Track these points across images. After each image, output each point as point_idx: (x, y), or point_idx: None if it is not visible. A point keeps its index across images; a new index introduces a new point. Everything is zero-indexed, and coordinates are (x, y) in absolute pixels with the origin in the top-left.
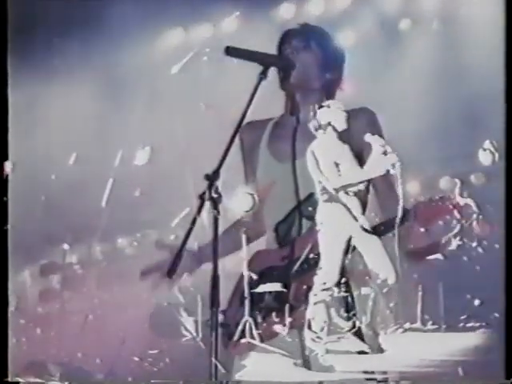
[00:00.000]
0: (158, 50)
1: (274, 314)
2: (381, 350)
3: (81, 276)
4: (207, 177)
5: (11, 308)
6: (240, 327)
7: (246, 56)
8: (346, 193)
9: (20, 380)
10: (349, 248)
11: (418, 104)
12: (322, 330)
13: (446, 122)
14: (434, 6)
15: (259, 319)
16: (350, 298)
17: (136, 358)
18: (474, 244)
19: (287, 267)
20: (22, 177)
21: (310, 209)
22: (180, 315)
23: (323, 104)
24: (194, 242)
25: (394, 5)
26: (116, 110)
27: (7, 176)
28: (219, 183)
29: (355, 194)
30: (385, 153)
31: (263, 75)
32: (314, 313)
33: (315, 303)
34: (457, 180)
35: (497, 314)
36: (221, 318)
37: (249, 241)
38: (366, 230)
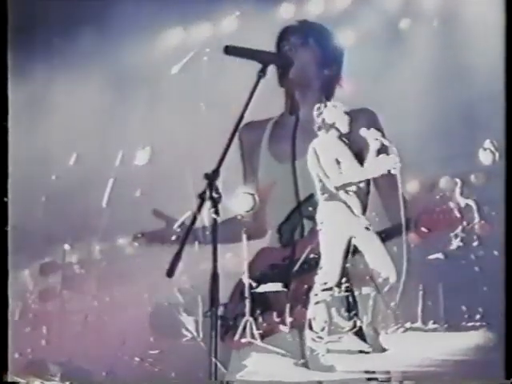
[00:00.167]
0: (158, 50)
1: (274, 314)
2: (382, 350)
3: (81, 276)
4: (207, 176)
5: (11, 308)
6: (241, 327)
7: (245, 54)
8: (346, 192)
9: (20, 380)
10: (349, 248)
11: (418, 104)
12: (322, 329)
13: (446, 121)
14: (434, 6)
15: (259, 318)
16: (350, 298)
17: (136, 359)
18: (475, 244)
19: (288, 267)
20: (22, 177)
21: (311, 209)
22: (180, 315)
23: (329, 103)
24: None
25: (395, 4)
26: (116, 109)
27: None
28: (219, 183)
29: (355, 193)
30: (382, 146)
31: (262, 73)
32: (315, 312)
33: (316, 303)
34: (457, 180)
35: (497, 314)
36: (221, 310)
37: (250, 240)
38: (367, 228)
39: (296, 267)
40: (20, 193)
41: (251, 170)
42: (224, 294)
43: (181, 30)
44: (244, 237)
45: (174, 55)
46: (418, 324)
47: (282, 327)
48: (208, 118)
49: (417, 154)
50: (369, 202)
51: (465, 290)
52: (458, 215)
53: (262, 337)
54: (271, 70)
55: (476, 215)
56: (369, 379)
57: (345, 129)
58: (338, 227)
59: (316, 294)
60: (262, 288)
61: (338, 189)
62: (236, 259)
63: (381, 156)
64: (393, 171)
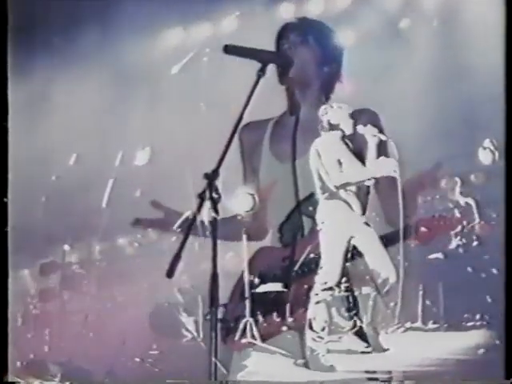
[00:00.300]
0: (158, 50)
1: (276, 315)
2: (382, 350)
3: (81, 275)
4: (206, 176)
5: (11, 308)
6: (241, 327)
7: (245, 54)
8: (347, 191)
9: (20, 380)
10: (349, 248)
11: (418, 104)
12: (323, 329)
13: (446, 121)
14: (434, 6)
15: (260, 319)
16: (350, 298)
17: (137, 359)
18: (475, 244)
19: (288, 267)
20: (22, 177)
21: (311, 208)
22: (180, 315)
23: (335, 104)
24: (194, 241)
25: (395, 4)
26: (116, 109)
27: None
28: (219, 183)
29: (355, 193)
30: (380, 141)
31: (262, 72)
32: (315, 312)
33: (316, 303)
34: (457, 179)
35: (497, 314)
36: (221, 311)
37: (251, 240)
38: (366, 224)
39: (296, 267)
40: (20, 193)
41: (251, 169)
42: (224, 294)
43: (181, 30)
44: (244, 237)
45: (174, 55)
46: (418, 324)
47: (283, 328)
48: (208, 118)
49: (416, 153)
50: (369, 202)
51: (465, 289)
52: (458, 215)
53: (264, 339)
54: (271, 69)
55: (476, 215)
56: (369, 379)
57: (349, 130)
58: (338, 227)
59: (316, 294)
60: (263, 288)
61: (337, 188)
62: (236, 259)
63: (381, 158)
64: (393, 174)
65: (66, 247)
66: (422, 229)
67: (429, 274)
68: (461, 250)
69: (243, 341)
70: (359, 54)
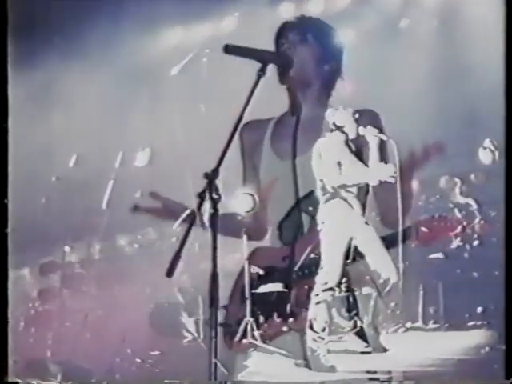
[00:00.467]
0: (158, 51)
1: (276, 315)
2: (382, 350)
3: (81, 275)
4: (206, 175)
5: (11, 308)
6: (241, 327)
7: (245, 53)
8: (347, 191)
9: (20, 380)
10: (350, 248)
11: (418, 104)
12: (323, 329)
13: (446, 121)
14: (434, 6)
15: (261, 319)
16: (351, 298)
17: (137, 360)
18: (475, 243)
19: (289, 268)
20: (23, 178)
21: (310, 206)
22: (180, 315)
23: (341, 107)
24: (194, 241)
25: (395, 4)
26: (116, 110)
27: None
28: (219, 182)
29: (356, 194)
30: (381, 143)
31: (262, 72)
32: (316, 313)
33: (317, 303)
34: (457, 179)
35: (497, 314)
36: (223, 314)
37: (251, 240)
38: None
39: (296, 267)
40: (20, 194)
41: (252, 169)
42: (223, 294)
43: (181, 30)
44: (245, 237)
45: (174, 55)
46: (419, 324)
47: (284, 329)
48: (208, 119)
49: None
50: (367, 203)
51: (465, 289)
52: (458, 215)
53: (266, 340)
54: (271, 68)
55: (476, 214)
56: (370, 379)
57: (353, 134)
58: (338, 227)
59: (317, 294)
60: (263, 288)
61: (334, 189)
62: (235, 258)
63: (379, 164)
64: (390, 180)
65: (67, 249)
66: (423, 229)
67: (429, 274)
68: (461, 250)
69: (244, 341)
70: (359, 53)
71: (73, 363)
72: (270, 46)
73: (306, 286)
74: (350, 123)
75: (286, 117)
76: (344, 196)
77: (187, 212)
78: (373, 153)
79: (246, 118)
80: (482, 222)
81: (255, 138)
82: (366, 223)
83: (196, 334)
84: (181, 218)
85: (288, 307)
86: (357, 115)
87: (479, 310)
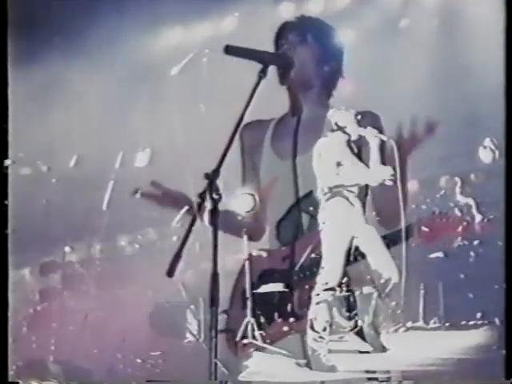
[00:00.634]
0: (158, 51)
1: (278, 318)
2: (383, 350)
3: (81, 275)
4: (207, 176)
5: (11, 308)
6: (242, 327)
7: (246, 54)
8: (348, 190)
9: (20, 381)
10: (351, 248)
11: (418, 104)
12: (324, 329)
13: (446, 120)
14: (434, 6)
15: (264, 322)
16: (351, 298)
17: (138, 360)
18: (475, 242)
19: (289, 268)
20: (22, 179)
21: (311, 206)
22: (181, 315)
23: (344, 107)
24: (194, 242)
25: (395, 4)
26: (117, 110)
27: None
28: (219, 182)
29: (357, 194)
30: (381, 143)
31: (263, 74)
32: (316, 312)
33: (317, 303)
34: (457, 178)
35: (498, 313)
36: (224, 319)
37: (250, 239)
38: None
39: (297, 268)
40: (21, 194)
41: (252, 169)
42: (223, 294)
43: (180, 30)
44: (245, 237)
45: (174, 56)
46: (420, 323)
47: (286, 329)
48: (208, 119)
49: (416, 152)
50: (366, 203)
51: (465, 288)
52: (458, 214)
53: (269, 341)
54: (271, 69)
55: (476, 214)
56: (370, 379)
57: (354, 135)
58: (339, 227)
59: (318, 294)
60: (263, 289)
61: (330, 189)
62: (235, 258)
63: (378, 166)
64: (388, 182)
65: (67, 249)
66: (424, 228)
67: (430, 274)
68: (461, 250)
69: (247, 344)
70: (359, 53)
71: (73, 363)
72: (270, 46)
73: (307, 286)
74: (352, 124)
75: (287, 117)
76: (345, 195)
77: (189, 203)
78: (373, 154)
79: (246, 119)
80: (483, 221)
81: (255, 138)
82: (367, 223)
83: (196, 334)
84: (181, 212)
85: (291, 308)
86: (359, 117)
87: (479, 309)
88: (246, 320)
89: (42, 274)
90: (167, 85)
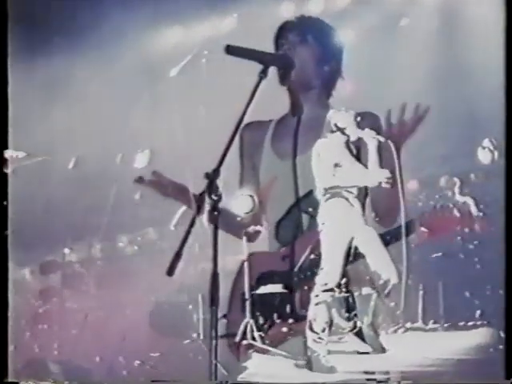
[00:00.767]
0: (158, 51)
1: (277, 319)
2: (382, 350)
3: (81, 275)
4: (207, 175)
5: (11, 307)
6: (241, 328)
7: (246, 55)
8: (348, 191)
9: (20, 381)
10: (351, 249)
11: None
12: (323, 330)
13: (445, 121)
14: (434, 5)
15: (266, 325)
16: (351, 299)
17: (137, 361)
18: (475, 243)
19: (288, 269)
20: (22, 180)
21: (310, 207)
22: (181, 315)
23: (344, 108)
24: (194, 242)
25: (395, 4)
26: (117, 110)
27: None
28: (219, 182)
29: (356, 195)
30: (379, 144)
31: (263, 74)
32: (316, 313)
33: (316, 304)
34: (456, 179)
35: (497, 314)
36: (223, 323)
37: (250, 240)
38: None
39: (296, 268)
40: (21, 194)
41: (251, 169)
42: (223, 294)
43: (181, 30)
44: (244, 238)
45: (173, 56)
46: (419, 324)
47: (289, 332)
48: (208, 119)
49: (416, 152)
50: (366, 205)
51: (465, 289)
52: (458, 214)
53: (271, 344)
54: (272, 69)
55: (476, 214)
56: (370, 380)
57: (354, 136)
58: (339, 227)
59: (317, 295)
60: (262, 290)
61: (326, 190)
62: (235, 258)
63: (376, 167)
64: (384, 185)
65: (67, 251)
66: (425, 223)
67: (429, 274)
68: (461, 250)
69: (247, 346)
70: (359, 53)
71: (73, 363)
72: (269, 46)
73: (307, 287)
74: (352, 125)
75: (287, 117)
76: (345, 196)
77: (191, 196)
78: (371, 155)
79: (247, 119)
80: (482, 221)
81: (256, 138)
82: (367, 224)
83: (196, 334)
84: (179, 213)
85: (290, 309)
86: (359, 118)
87: (479, 309)
88: (245, 321)
89: (42, 274)
90: (167, 85)
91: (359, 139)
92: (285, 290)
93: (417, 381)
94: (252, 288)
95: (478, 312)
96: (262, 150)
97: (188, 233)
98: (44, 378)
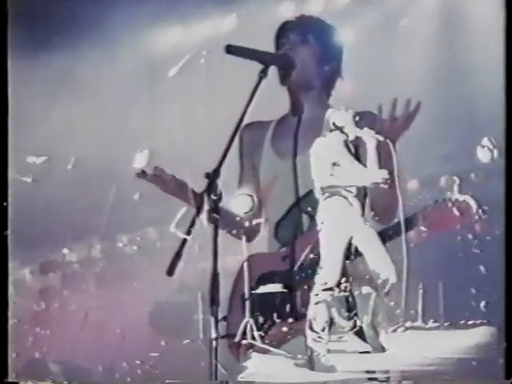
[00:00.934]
0: (158, 50)
1: (277, 318)
2: (382, 349)
3: (81, 274)
4: (207, 175)
5: (11, 307)
6: (241, 328)
7: (247, 54)
8: (347, 190)
9: (20, 380)
10: (350, 248)
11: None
12: (323, 329)
13: (446, 120)
14: (434, 5)
15: (261, 321)
16: (350, 298)
17: (137, 361)
18: (475, 242)
19: (289, 268)
20: (22, 180)
21: (310, 206)
22: (181, 314)
23: (343, 108)
24: (194, 242)
25: (395, 3)
26: (117, 110)
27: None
28: (219, 182)
29: (355, 194)
30: (378, 143)
31: (263, 74)
32: (315, 313)
33: (316, 303)
34: (455, 178)
35: (497, 313)
36: (223, 325)
37: (249, 239)
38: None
39: (296, 267)
40: (21, 195)
41: (251, 169)
42: (224, 294)
43: (180, 30)
44: (244, 238)
45: (173, 56)
46: (419, 323)
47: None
48: (208, 119)
49: (416, 152)
50: (366, 205)
51: (465, 288)
52: (458, 213)
53: (271, 343)
54: (272, 69)
55: (476, 213)
56: (370, 379)
57: (352, 135)
58: (338, 226)
59: (316, 294)
60: (262, 289)
61: (323, 189)
62: (235, 258)
63: (374, 167)
64: (382, 185)
65: (66, 251)
66: (429, 215)
67: (429, 273)
68: (461, 249)
69: (247, 345)
70: (359, 52)
71: (73, 363)
72: (270, 46)
73: (307, 287)
74: (350, 124)
75: (287, 117)
76: (344, 195)
77: (191, 193)
78: (370, 155)
79: (247, 119)
80: (482, 220)
81: (256, 138)
82: (366, 223)
83: (196, 334)
84: (179, 215)
85: (290, 309)
86: (357, 118)
87: (479, 308)
88: (244, 321)
89: (42, 274)
90: (167, 85)
91: (358, 138)
92: (284, 290)
93: (417, 380)
94: (252, 288)
95: (478, 311)
96: (262, 149)
97: (188, 232)
98: (44, 378)
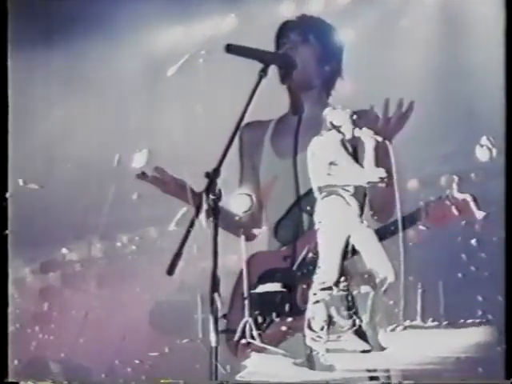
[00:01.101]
0: (158, 50)
1: (276, 317)
2: (381, 348)
3: (81, 274)
4: (207, 175)
5: (11, 307)
6: (240, 327)
7: (247, 54)
8: (344, 189)
9: (20, 380)
10: (348, 246)
11: (418, 102)
12: (322, 329)
13: (446, 120)
14: (434, 5)
15: (260, 320)
16: (349, 297)
17: (136, 361)
18: (474, 241)
19: (289, 269)
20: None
21: (310, 205)
22: (181, 314)
23: (340, 107)
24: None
25: (395, 3)
26: (115, 110)
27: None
28: (219, 182)
29: (353, 193)
30: (377, 143)
31: (263, 73)
32: (314, 312)
33: (315, 302)
34: (454, 177)
35: (497, 312)
36: (223, 323)
37: (249, 239)
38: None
39: (295, 267)
40: (20, 194)
41: (251, 168)
42: (223, 294)
43: (180, 30)
44: (242, 237)
45: (172, 56)
46: (418, 322)
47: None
48: (208, 119)
49: (416, 152)
50: (365, 204)
51: (465, 287)
52: (457, 213)
53: (270, 343)
54: (272, 68)
55: (475, 213)
56: (369, 378)
57: (349, 134)
58: (336, 225)
59: (315, 294)
60: (261, 289)
61: (320, 189)
62: (235, 258)
63: (372, 166)
64: (380, 184)
65: (65, 251)
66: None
67: (428, 272)
68: (460, 248)
69: (246, 344)
70: (359, 52)
71: (73, 362)
72: (270, 46)
73: (306, 286)
74: (347, 123)
75: (287, 116)
76: (341, 194)
77: (191, 194)
78: (368, 154)
79: (247, 118)
80: (481, 220)
81: (255, 138)
82: (363, 222)
83: (196, 334)
84: (179, 214)
85: (289, 308)
86: (355, 117)
87: (479, 307)
88: (243, 320)
89: (42, 273)
90: (167, 84)
91: (356, 138)
92: (283, 289)
93: (416, 379)
94: (255, 286)
95: (478, 310)
96: (262, 149)
97: (188, 232)
98: (44, 378)
